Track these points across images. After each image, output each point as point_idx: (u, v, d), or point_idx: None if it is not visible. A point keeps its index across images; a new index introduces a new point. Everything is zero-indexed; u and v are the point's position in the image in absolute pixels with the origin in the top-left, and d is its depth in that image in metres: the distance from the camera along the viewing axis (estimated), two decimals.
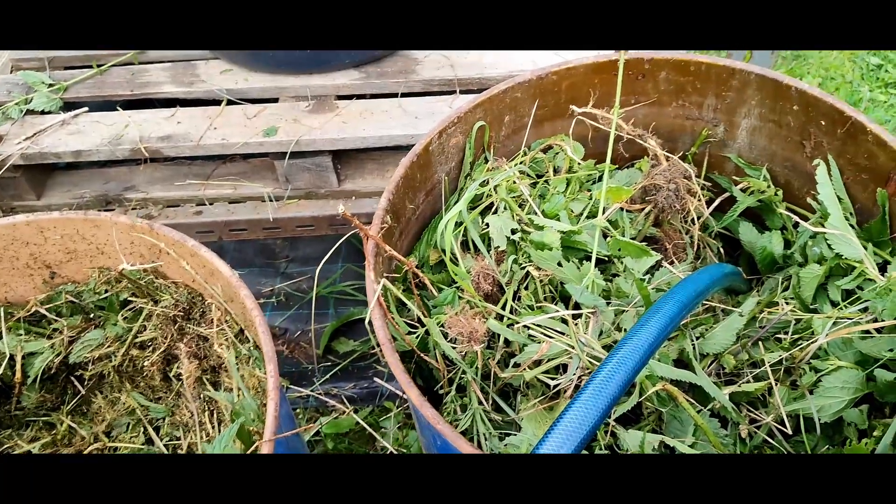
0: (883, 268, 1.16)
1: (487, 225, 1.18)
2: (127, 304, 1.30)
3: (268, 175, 1.87)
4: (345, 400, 2.03)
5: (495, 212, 1.22)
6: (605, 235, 1.29)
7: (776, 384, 1.15)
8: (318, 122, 1.75)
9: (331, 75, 1.85)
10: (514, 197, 1.23)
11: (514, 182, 1.24)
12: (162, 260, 1.24)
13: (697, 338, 1.18)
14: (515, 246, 1.17)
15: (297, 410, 2.09)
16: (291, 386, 2.08)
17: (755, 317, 1.24)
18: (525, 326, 1.09)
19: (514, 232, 1.16)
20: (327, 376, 2.07)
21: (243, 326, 1.18)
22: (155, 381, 1.32)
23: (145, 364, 1.28)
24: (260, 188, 1.85)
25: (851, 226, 1.22)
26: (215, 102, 1.87)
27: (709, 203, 1.40)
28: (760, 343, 1.20)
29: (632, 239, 1.33)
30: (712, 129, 1.36)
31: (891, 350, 1.06)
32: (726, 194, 1.39)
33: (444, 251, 1.17)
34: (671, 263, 1.35)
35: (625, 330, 1.11)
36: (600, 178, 1.39)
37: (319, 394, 2.05)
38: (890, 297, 1.09)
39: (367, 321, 1.01)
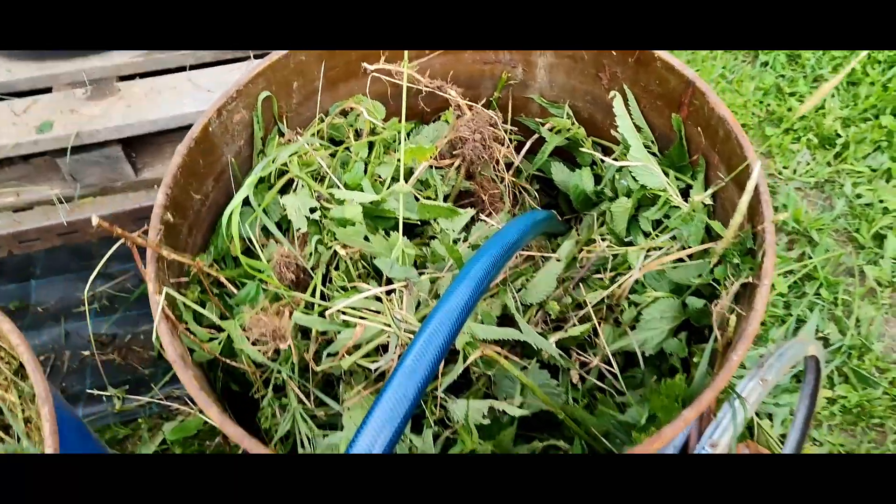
0: (686, 193, 1.17)
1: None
2: None
3: (54, 175, 1.68)
4: (188, 401, 1.91)
5: (296, 189, 1.13)
6: (417, 198, 1.24)
7: (600, 324, 1.14)
8: (98, 110, 1.57)
9: (108, 55, 1.66)
10: (311, 172, 1.14)
11: (310, 154, 1.14)
12: None
13: (519, 290, 1.16)
14: (318, 225, 1.09)
15: (140, 420, 1.94)
16: (128, 396, 1.93)
17: (576, 258, 1.23)
18: (339, 311, 1.02)
19: (312, 210, 1.08)
20: (166, 378, 1.93)
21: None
22: None
23: None
24: (47, 191, 1.66)
25: (654, 153, 1.22)
26: None
27: (520, 147, 1.37)
28: (581, 285, 1.19)
29: (445, 196, 1.28)
30: (511, 72, 1.31)
31: (699, 276, 1.07)
32: (536, 136, 1.36)
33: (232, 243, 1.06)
34: (489, 215, 1.31)
35: None
36: (408, 137, 1.33)
37: (160, 399, 1.92)
38: (694, 223, 1.10)
39: (153, 336, 0.91)
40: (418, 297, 1.04)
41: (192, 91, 1.60)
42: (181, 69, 1.66)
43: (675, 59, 1.12)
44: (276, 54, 1.17)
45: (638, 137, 1.16)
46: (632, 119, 1.19)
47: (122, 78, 1.67)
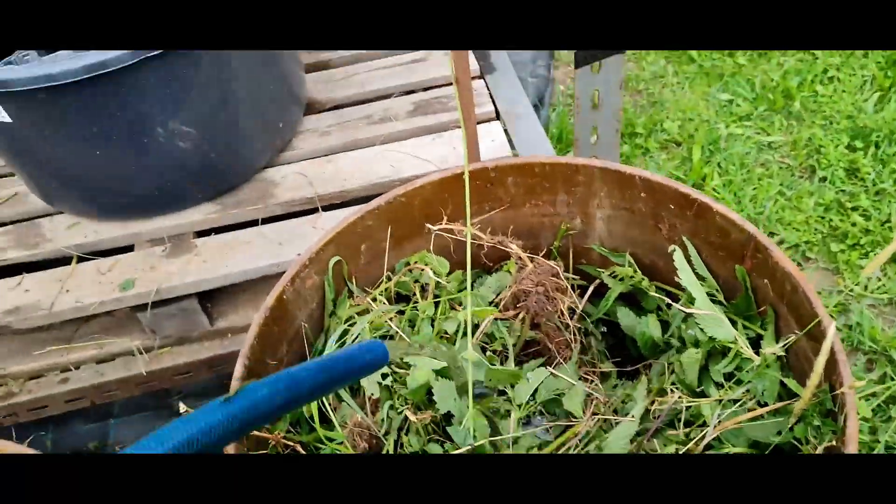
0: (756, 343, 1.15)
1: None
2: None
3: (134, 326, 1.76)
4: None
5: None
6: (483, 350, 1.25)
7: None
8: (176, 267, 1.66)
9: (185, 213, 1.76)
10: (380, 334, 1.18)
11: (381, 318, 1.18)
12: None
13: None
14: (390, 390, 1.11)
15: None
16: None
17: (648, 409, 1.22)
18: None
19: (384, 377, 1.10)
20: None
21: None
22: None
23: None
24: (128, 342, 1.74)
25: (720, 302, 1.21)
26: (66, 261, 1.75)
27: (584, 292, 1.39)
28: (654, 438, 1.17)
29: (513, 345, 1.29)
30: (570, 223, 1.35)
31: (779, 433, 1.04)
32: (598, 281, 1.38)
33: (308, 417, 1.09)
34: (557, 365, 1.31)
35: None
36: (472, 286, 1.36)
37: None
38: (768, 377, 1.08)
39: None
40: None
41: (264, 245, 1.68)
42: (253, 223, 1.75)
43: (733, 213, 1.13)
44: (344, 221, 1.23)
45: (702, 289, 1.16)
46: (694, 270, 1.20)
47: (199, 233, 1.76)
